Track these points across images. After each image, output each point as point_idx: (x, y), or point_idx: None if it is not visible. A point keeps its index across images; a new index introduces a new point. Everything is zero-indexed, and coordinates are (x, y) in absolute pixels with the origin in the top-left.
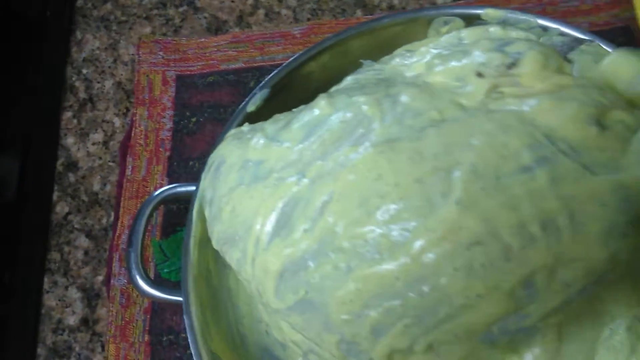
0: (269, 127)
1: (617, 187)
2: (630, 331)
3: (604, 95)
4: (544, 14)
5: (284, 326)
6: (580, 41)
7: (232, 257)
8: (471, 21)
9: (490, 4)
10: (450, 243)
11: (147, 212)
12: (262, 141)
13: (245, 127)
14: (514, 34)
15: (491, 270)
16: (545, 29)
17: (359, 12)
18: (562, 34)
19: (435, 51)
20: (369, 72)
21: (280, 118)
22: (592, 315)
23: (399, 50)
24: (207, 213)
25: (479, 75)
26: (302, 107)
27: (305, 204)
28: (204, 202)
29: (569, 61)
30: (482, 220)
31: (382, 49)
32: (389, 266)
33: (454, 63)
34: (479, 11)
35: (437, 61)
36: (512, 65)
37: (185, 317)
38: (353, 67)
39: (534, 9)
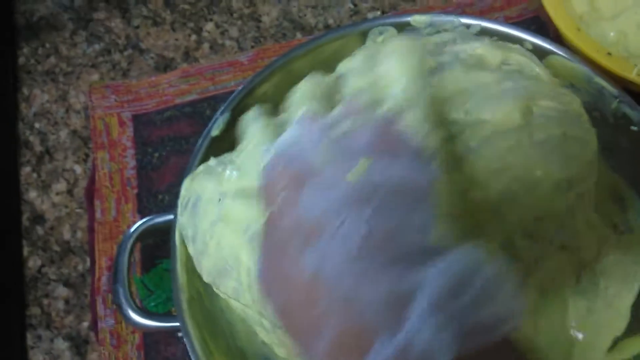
0: (237, 159)
1: None
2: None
3: None
4: (463, 15)
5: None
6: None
7: (227, 287)
8: (402, 28)
9: (415, 12)
10: None
11: (129, 246)
12: (235, 173)
13: (212, 161)
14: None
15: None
16: (467, 26)
17: (298, 35)
18: (483, 28)
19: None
20: None
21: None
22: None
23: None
24: (191, 250)
25: None
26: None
27: None
28: (186, 240)
29: None
30: None
31: (326, 64)
32: None
33: None
34: (407, 19)
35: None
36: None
37: (185, 339)
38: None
39: (454, 12)
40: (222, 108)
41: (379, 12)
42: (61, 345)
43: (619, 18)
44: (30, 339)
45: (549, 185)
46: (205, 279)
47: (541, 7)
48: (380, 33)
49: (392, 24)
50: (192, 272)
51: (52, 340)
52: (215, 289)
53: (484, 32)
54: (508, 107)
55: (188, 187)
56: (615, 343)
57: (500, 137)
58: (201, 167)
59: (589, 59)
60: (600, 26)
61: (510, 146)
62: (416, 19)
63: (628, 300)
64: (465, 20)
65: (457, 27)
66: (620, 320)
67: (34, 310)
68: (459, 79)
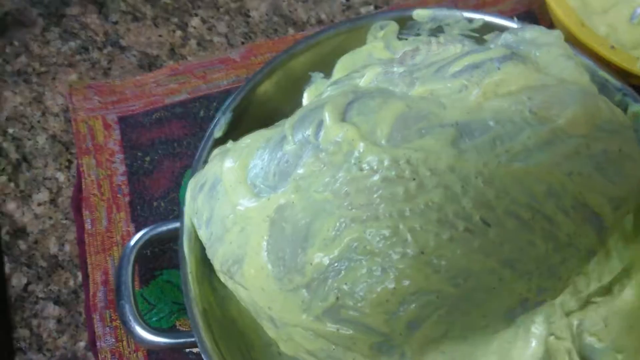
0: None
1: None
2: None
3: None
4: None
5: (297, 337)
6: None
7: (244, 274)
8: (404, 22)
9: (417, 6)
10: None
11: (132, 259)
12: (267, 150)
13: (231, 144)
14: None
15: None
16: (470, 20)
17: (290, 30)
18: (486, 23)
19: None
20: (344, 86)
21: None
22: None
23: (342, 67)
24: (203, 234)
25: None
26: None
27: (329, 212)
28: (199, 225)
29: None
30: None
31: (325, 60)
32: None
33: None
34: (410, 13)
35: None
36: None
37: (203, 355)
38: (303, 80)
39: (448, 7)
40: (223, 108)
41: (371, 7)
42: None
43: (609, 12)
44: None
45: (604, 199)
46: (219, 267)
47: (536, 1)
48: (382, 28)
49: (393, 18)
50: (202, 282)
51: None
52: (226, 278)
53: (486, 27)
54: (576, 111)
55: (200, 174)
56: None
57: (561, 142)
58: (216, 150)
59: (592, 52)
60: (591, 20)
61: (568, 153)
62: (419, 14)
63: None
64: (467, 15)
65: (459, 22)
66: None
67: (22, 332)
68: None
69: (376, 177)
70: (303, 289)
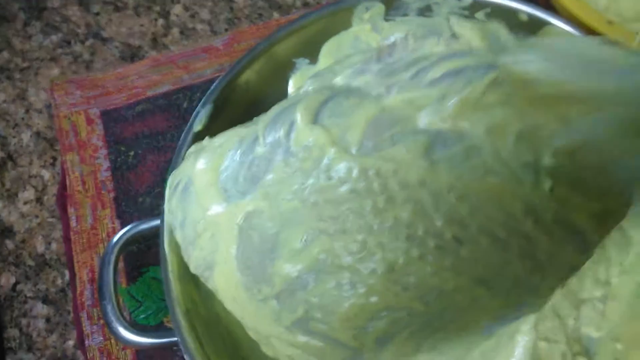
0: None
1: None
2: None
3: None
4: None
5: (274, 343)
6: None
7: (214, 281)
8: (391, 3)
9: None
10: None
11: (113, 258)
12: (238, 152)
13: (207, 141)
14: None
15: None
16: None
17: (275, 14)
18: (476, 1)
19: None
20: (323, 80)
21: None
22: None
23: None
24: (179, 237)
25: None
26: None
27: (297, 222)
28: (174, 225)
29: None
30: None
31: (310, 46)
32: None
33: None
34: None
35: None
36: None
37: (185, 356)
38: (287, 68)
39: None
40: (203, 100)
41: None
42: None
43: None
44: None
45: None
46: (193, 270)
47: None
48: (367, 9)
49: None
50: (185, 280)
51: None
52: (203, 281)
53: (476, 5)
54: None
55: (176, 172)
56: None
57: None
58: (192, 148)
59: (588, 28)
60: None
61: None
62: None
63: None
64: None
65: (448, 0)
66: None
67: (12, 332)
68: None
69: (344, 188)
70: (273, 300)
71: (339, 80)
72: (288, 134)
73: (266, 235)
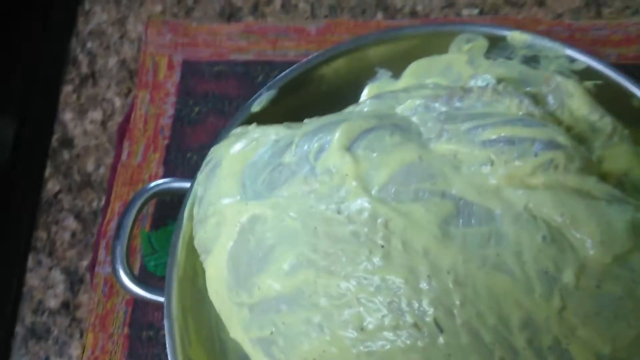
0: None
1: None
2: None
3: None
4: (572, 40)
5: (243, 345)
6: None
7: (207, 266)
8: (496, 42)
9: (517, 23)
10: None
11: (138, 204)
12: (270, 151)
13: (253, 127)
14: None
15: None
16: (572, 60)
17: (379, 15)
18: (590, 68)
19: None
20: (383, 104)
21: (289, 131)
22: None
23: (413, 71)
24: (195, 210)
25: (492, 163)
26: (317, 122)
27: (293, 243)
28: (196, 198)
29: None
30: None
31: (400, 59)
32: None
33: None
34: (505, 33)
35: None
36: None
37: (165, 320)
38: (366, 74)
39: (562, 34)
40: (271, 83)
41: (476, 11)
42: (57, 276)
43: None
44: (30, 261)
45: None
46: (195, 246)
47: None
48: (469, 41)
49: (484, 34)
50: (194, 250)
51: (50, 269)
52: (201, 260)
53: (588, 72)
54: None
55: (214, 148)
56: None
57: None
58: (238, 129)
59: None
60: None
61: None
62: (515, 37)
63: None
64: (570, 53)
65: (560, 58)
66: None
67: (41, 233)
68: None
69: (348, 228)
70: (247, 308)
71: (399, 110)
72: (319, 152)
73: (262, 244)
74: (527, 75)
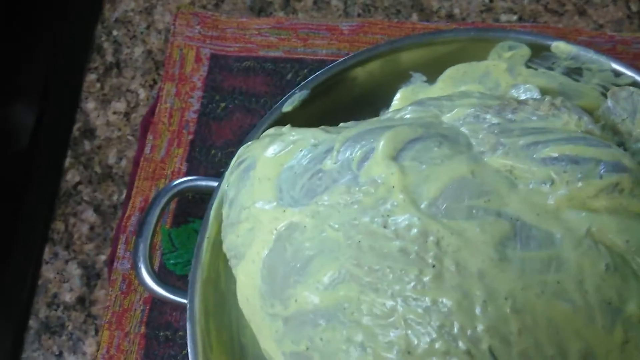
0: (315, 142)
1: None
2: None
3: None
4: (614, 53)
5: (271, 355)
6: None
7: (238, 273)
8: (539, 52)
9: (558, 32)
10: None
11: (162, 202)
12: (308, 156)
13: (287, 129)
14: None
15: None
16: (617, 74)
17: (414, 16)
18: (636, 83)
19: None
20: (426, 112)
21: (327, 135)
22: None
23: (449, 77)
24: (224, 212)
25: (552, 182)
26: (354, 126)
27: (334, 256)
28: (225, 198)
29: None
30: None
31: (436, 63)
32: None
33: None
34: (549, 42)
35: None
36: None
37: (188, 323)
38: (401, 77)
39: (604, 45)
40: (302, 84)
41: (515, 17)
42: (74, 270)
43: None
44: (47, 253)
45: None
46: (224, 249)
47: None
48: (510, 48)
49: (527, 42)
50: (218, 251)
51: (67, 262)
52: (229, 264)
53: (634, 85)
54: None
55: (246, 147)
56: None
57: None
58: (271, 130)
59: None
60: None
61: None
62: (559, 47)
63: None
64: (616, 67)
65: (604, 71)
66: None
67: (59, 225)
68: None
69: (395, 243)
70: (281, 320)
71: (446, 119)
72: (362, 160)
73: (300, 254)
74: (567, 88)
